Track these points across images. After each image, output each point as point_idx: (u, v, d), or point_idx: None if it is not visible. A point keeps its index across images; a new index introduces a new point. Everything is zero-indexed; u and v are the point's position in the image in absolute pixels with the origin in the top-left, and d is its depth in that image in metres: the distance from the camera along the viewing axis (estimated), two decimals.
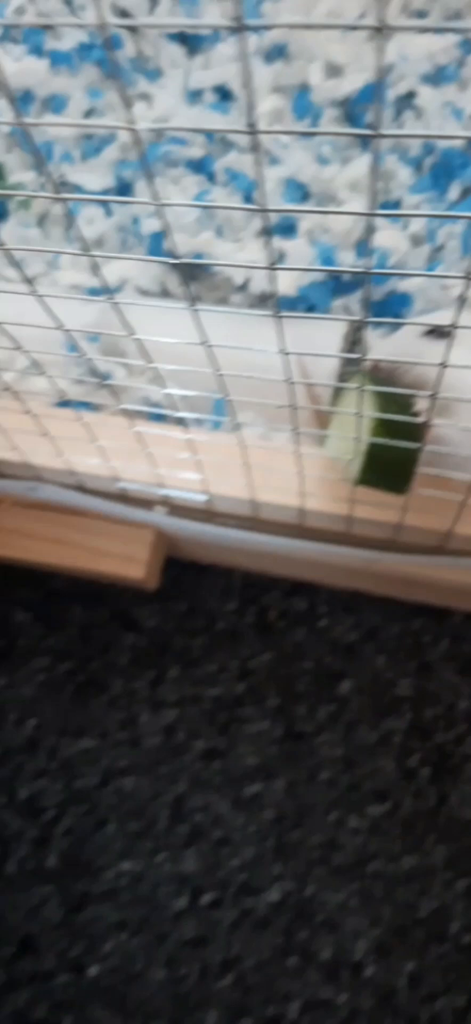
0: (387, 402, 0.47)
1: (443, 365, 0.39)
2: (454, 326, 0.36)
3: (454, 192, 0.68)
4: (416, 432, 0.46)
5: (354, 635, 0.79)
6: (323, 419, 0.64)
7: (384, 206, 0.70)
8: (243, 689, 0.79)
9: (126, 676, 0.80)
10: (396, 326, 0.66)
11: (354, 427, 0.47)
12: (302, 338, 0.63)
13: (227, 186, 0.69)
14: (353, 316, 0.67)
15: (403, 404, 0.48)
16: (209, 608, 0.81)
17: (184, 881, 0.74)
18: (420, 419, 0.46)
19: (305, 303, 0.66)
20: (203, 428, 0.65)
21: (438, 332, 0.50)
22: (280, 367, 0.62)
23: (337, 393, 0.55)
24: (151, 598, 0.81)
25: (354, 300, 0.67)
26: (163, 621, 0.81)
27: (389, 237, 0.66)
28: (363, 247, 0.67)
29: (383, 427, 0.46)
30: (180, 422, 0.65)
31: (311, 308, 0.66)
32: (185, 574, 0.81)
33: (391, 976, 0.72)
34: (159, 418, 0.64)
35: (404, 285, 0.65)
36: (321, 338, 0.64)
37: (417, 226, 0.67)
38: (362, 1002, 0.71)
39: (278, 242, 0.65)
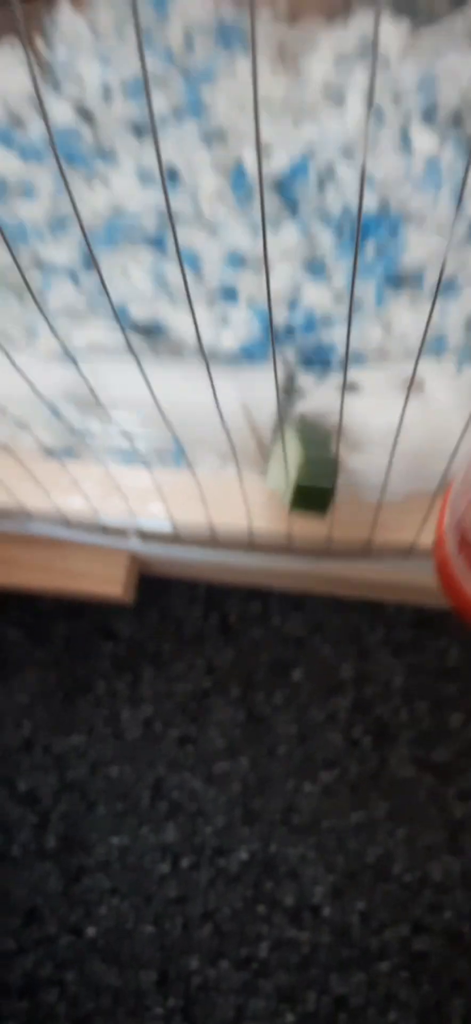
0: (309, 444, 0.60)
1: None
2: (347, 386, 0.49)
3: (370, 249, 0.82)
4: (333, 468, 0.59)
5: (303, 630, 0.92)
6: (265, 454, 0.76)
7: (311, 267, 0.83)
8: (210, 683, 0.91)
9: (108, 679, 0.92)
10: (324, 374, 0.79)
11: (285, 466, 0.60)
12: (246, 386, 0.76)
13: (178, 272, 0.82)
14: (288, 364, 0.80)
15: (323, 445, 0.61)
16: (177, 616, 0.93)
17: (166, 849, 0.87)
18: (334, 458, 0.59)
19: (247, 355, 0.79)
20: (167, 465, 0.77)
21: (351, 387, 0.63)
22: (229, 412, 0.75)
23: (274, 435, 0.68)
24: (127, 610, 0.93)
25: (289, 351, 0.80)
26: (138, 630, 0.93)
27: (315, 295, 0.79)
28: (294, 305, 0.80)
29: (305, 467, 0.59)
30: (147, 463, 0.77)
31: (252, 359, 0.79)
32: (156, 588, 0.94)
33: (345, 914, 0.85)
34: (131, 459, 0.76)
35: (329, 337, 0.78)
36: (261, 385, 0.77)
37: (339, 284, 0.80)
38: (321, 938, 0.84)
39: (222, 307, 0.78)
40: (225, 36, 0.97)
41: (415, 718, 0.88)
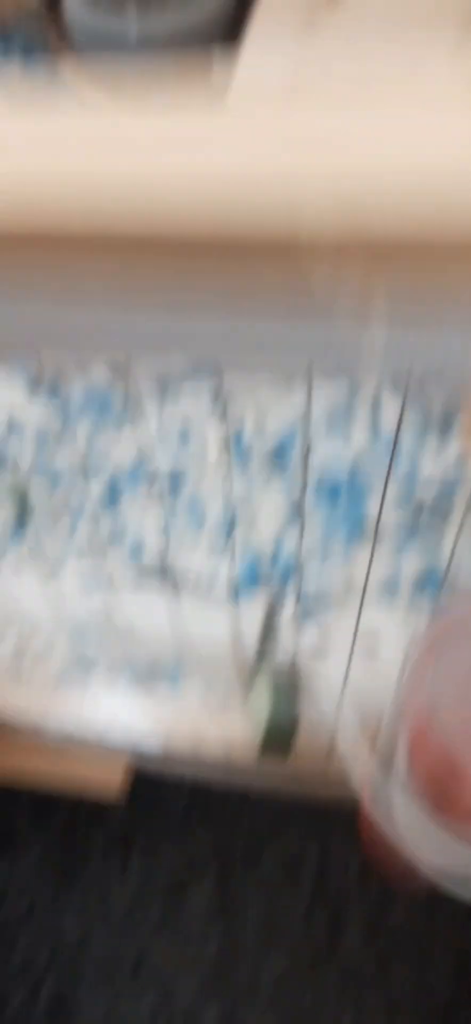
0: (278, 702, 0.75)
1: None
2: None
3: (342, 503, 0.99)
4: (296, 722, 0.74)
5: (273, 823, 1.04)
6: (247, 681, 0.91)
7: (293, 514, 1.00)
8: (188, 870, 1.03)
9: (101, 860, 1.04)
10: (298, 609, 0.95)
11: (255, 718, 0.75)
12: (238, 614, 0.92)
13: (185, 523, 1.00)
14: (270, 599, 0.96)
15: (289, 700, 0.76)
16: (165, 807, 1.06)
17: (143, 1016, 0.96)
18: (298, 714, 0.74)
19: (239, 593, 0.95)
20: (164, 684, 0.92)
21: (319, 652, 0.77)
22: (219, 642, 0.90)
23: (249, 686, 0.83)
24: (120, 802, 1.06)
25: (271, 585, 0.96)
26: (129, 819, 1.05)
27: (295, 541, 0.96)
28: (277, 553, 0.97)
29: (272, 724, 0.74)
30: (147, 683, 0.92)
31: (238, 594, 0.95)
32: (147, 782, 1.06)
33: None
34: (135, 679, 0.92)
35: (302, 579, 0.94)
36: (248, 618, 0.93)
37: (315, 532, 0.97)
38: None
39: (218, 560, 0.95)
40: None
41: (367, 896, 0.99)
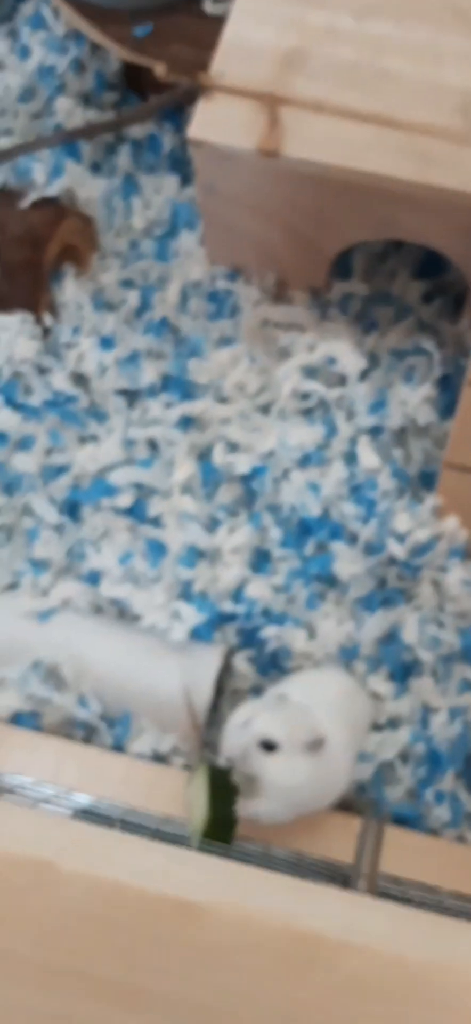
0: (216, 801, 0.73)
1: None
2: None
3: (310, 548, 0.96)
4: (234, 819, 0.72)
5: None
6: (198, 732, 0.89)
7: (260, 553, 0.97)
8: None
9: None
10: (259, 656, 0.93)
11: (194, 808, 0.74)
12: (193, 661, 0.90)
13: (146, 555, 0.96)
14: (228, 643, 0.93)
15: (231, 793, 0.74)
16: None
17: None
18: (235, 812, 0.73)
19: (196, 636, 0.92)
20: (111, 737, 0.90)
21: (268, 745, 0.75)
22: (173, 691, 0.88)
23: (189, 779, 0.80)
24: None
25: (230, 629, 0.93)
26: None
27: (257, 588, 0.93)
28: (239, 596, 0.93)
29: (212, 817, 0.72)
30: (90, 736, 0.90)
31: (199, 639, 0.92)
32: None
33: None
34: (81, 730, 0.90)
35: (265, 631, 0.92)
36: (206, 659, 0.91)
37: (279, 579, 0.94)
38: None
39: (178, 604, 0.92)
40: (216, 301, 1.12)
41: None
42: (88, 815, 0.78)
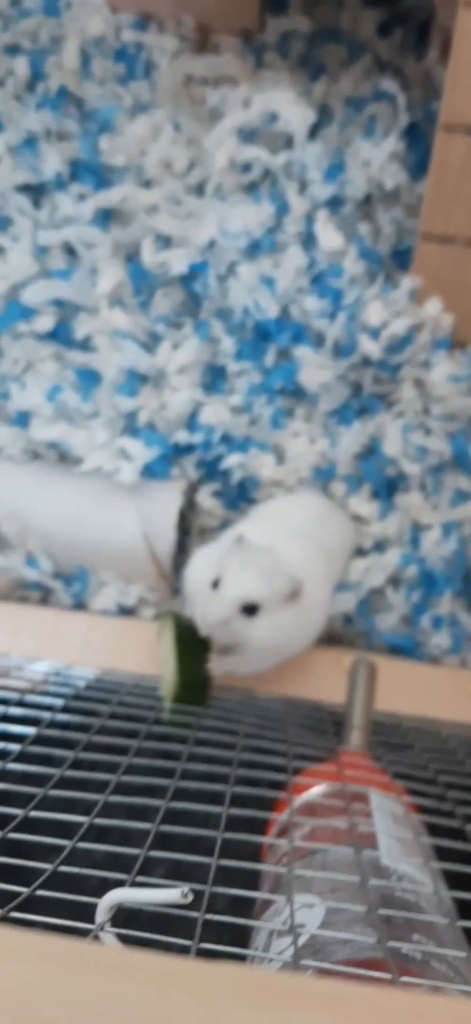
0: (187, 649, 0.63)
1: None
2: None
3: (270, 358, 0.81)
4: (206, 681, 0.62)
5: None
6: (167, 579, 0.78)
7: (212, 371, 0.82)
8: None
9: None
10: (224, 488, 0.81)
11: (164, 668, 0.64)
12: (150, 503, 0.77)
13: (77, 387, 0.79)
14: (188, 478, 0.81)
15: (201, 650, 0.64)
16: None
17: None
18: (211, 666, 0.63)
19: (150, 474, 0.79)
20: (71, 594, 0.78)
21: (249, 609, 0.64)
22: (132, 538, 0.77)
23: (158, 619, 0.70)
24: None
25: (188, 463, 0.80)
26: None
27: (214, 412, 0.79)
28: (193, 423, 0.79)
29: (182, 680, 0.62)
30: (47, 596, 0.79)
31: (154, 477, 0.79)
32: None
33: None
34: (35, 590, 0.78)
35: (228, 461, 0.79)
36: (164, 499, 0.78)
37: (237, 399, 0.80)
38: None
39: (124, 440, 0.77)
40: (125, 59, 0.90)
41: None
42: (54, 683, 0.68)
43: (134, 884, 0.35)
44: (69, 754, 0.53)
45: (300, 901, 0.33)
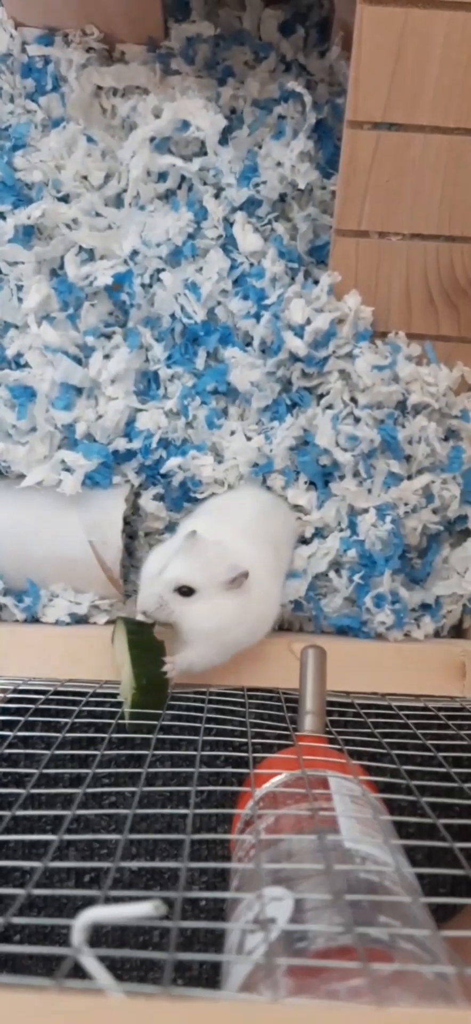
0: (142, 653, 0.65)
1: None
2: None
3: (200, 360, 0.83)
4: (163, 685, 0.65)
5: None
6: (117, 584, 0.80)
7: (145, 377, 0.83)
8: None
9: None
10: (167, 489, 0.82)
11: (121, 672, 0.66)
12: (94, 512, 0.78)
13: (11, 404, 0.80)
14: (130, 483, 0.82)
15: (155, 652, 0.66)
16: None
17: None
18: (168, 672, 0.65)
19: (91, 483, 0.80)
20: (20, 611, 0.79)
21: (185, 591, 0.66)
22: (79, 548, 0.78)
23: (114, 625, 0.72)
24: None
25: (129, 469, 0.82)
26: None
27: (150, 418, 0.81)
28: (131, 430, 0.81)
29: (138, 684, 0.64)
30: None
31: (96, 486, 0.80)
32: None
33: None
34: None
35: (168, 465, 0.80)
36: (108, 507, 0.79)
37: (172, 403, 0.81)
38: None
39: (63, 453, 0.78)
40: (32, 74, 0.90)
41: None
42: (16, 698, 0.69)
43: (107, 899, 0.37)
44: (33, 771, 0.54)
45: (268, 895, 0.36)
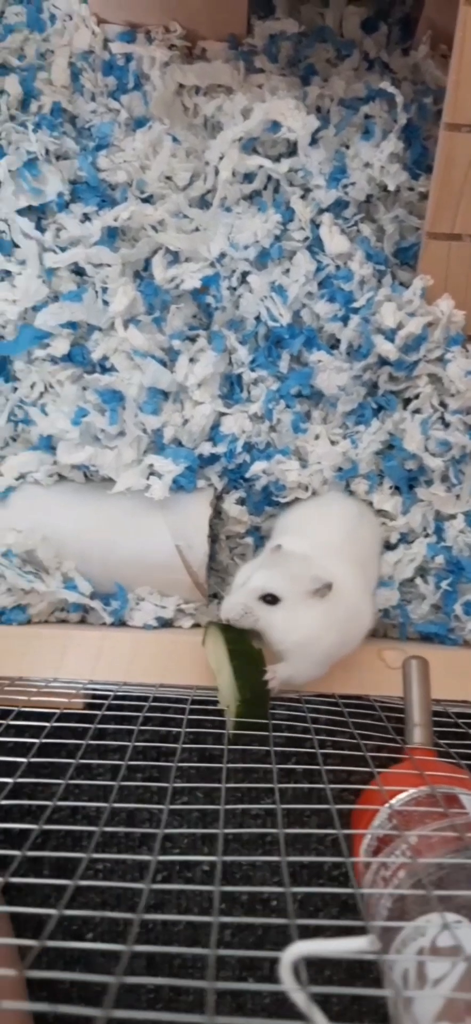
0: (244, 681, 0.65)
1: None
2: None
3: (284, 364, 0.83)
4: (265, 695, 0.65)
5: None
6: (202, 588, 0.80)
7: (229, 381, 0.83)
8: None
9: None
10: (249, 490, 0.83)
11: (219, 677, 0.66)
12: (180, 516, 0.79)
13: (101, 409, 0.80)
14: (213, 487, 0.82)
15: (256, 663, 0.67)
16: None
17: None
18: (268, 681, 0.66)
19: (176, 487, 0.80)
20: (109, 612, 0.80)
21: (270, 599, 0.67)
22: (165, 552, 0.79)
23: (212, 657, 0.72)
24: None
25: (212, 473, 0.82)
26: None
27: (235, 422, 0.81)
28: (216, 433, 0.81)
29: (242, 697, 0.64)
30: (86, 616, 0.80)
31: (181, 490, 0.81)
32: None
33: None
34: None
35: (253, 469, 0.81)
36: (194, 511, 0.80)
37: (256, 407, 0.81)
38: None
39: (151, 457, 0.78)
40: (115, 72, 0.90)
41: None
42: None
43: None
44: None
45: (437, 922, 0.36)
